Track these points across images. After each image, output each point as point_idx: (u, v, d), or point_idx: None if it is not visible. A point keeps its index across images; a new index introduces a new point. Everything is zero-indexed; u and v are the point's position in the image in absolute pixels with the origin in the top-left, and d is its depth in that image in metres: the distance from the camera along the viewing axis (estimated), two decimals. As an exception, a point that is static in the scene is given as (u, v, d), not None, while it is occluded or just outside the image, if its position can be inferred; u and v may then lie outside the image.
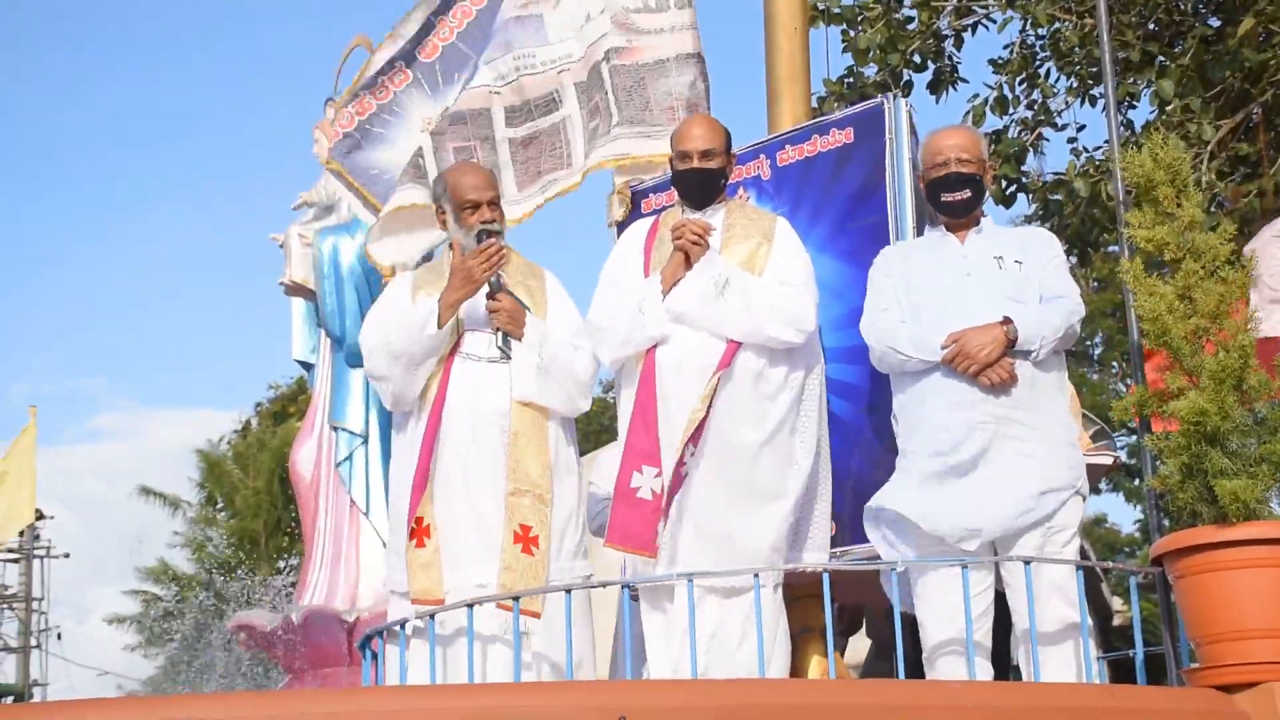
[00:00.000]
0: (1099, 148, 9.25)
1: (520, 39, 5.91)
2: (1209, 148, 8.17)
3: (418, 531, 4.77)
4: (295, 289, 7.92)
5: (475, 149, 5.86)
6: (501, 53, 5.87)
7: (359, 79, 6.56)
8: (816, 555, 4.90)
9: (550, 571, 4.74)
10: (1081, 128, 9.57)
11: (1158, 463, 4.10)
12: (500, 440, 4.82)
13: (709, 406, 4.66)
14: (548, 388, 4.89)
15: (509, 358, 4.88)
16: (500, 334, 4.89)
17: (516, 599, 4.27)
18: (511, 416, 4.84)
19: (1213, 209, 8.53)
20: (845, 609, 6.99)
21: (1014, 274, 4.71)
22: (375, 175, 6.32)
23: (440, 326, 4.86)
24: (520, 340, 4.89)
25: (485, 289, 4.90)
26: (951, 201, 4.83)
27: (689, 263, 4.82)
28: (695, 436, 4.64)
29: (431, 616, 4.43)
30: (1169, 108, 8.38)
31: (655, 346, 4.84)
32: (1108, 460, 7.31)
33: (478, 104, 5.88)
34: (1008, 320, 4.57)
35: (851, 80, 9.61)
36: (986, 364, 4.54)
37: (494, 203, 5.06)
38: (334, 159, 6.39)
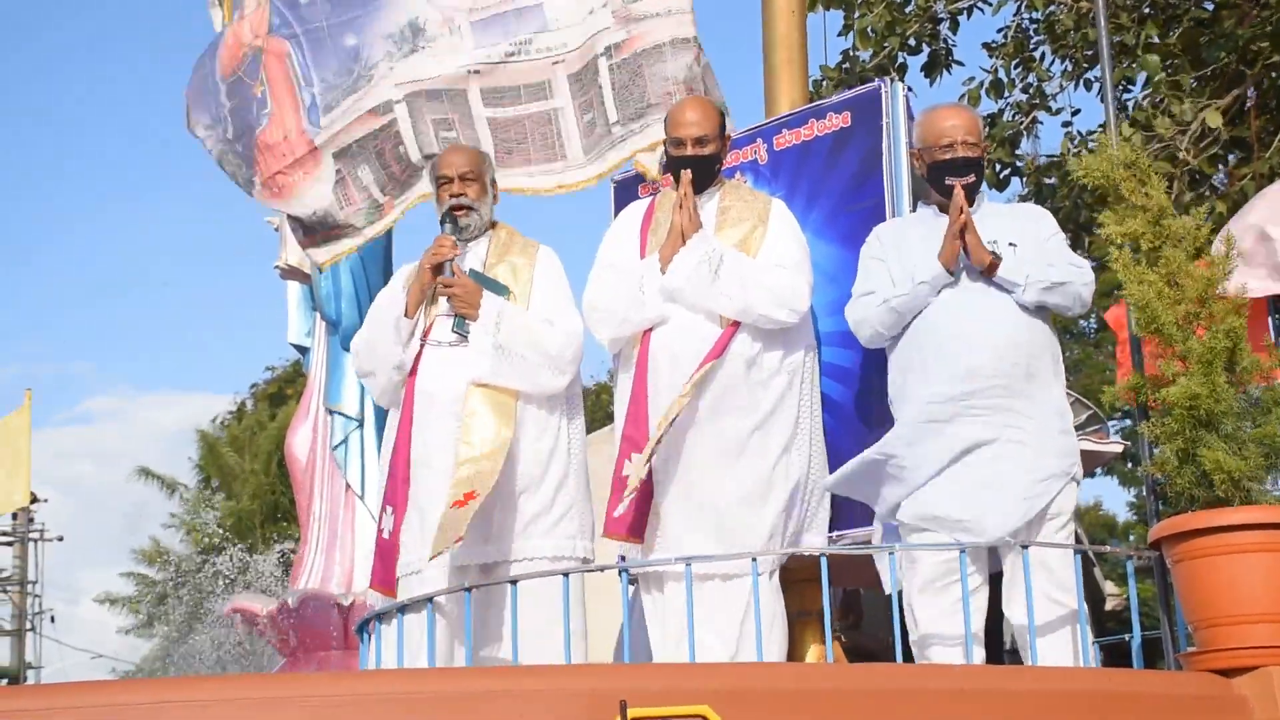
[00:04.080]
0: (1093, 133, 9.25)
1: (519, 28, 5.86)
2: (1192, 128, 8.15)
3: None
4: (290, 272, 7.90)
5: (454, 122, 5.83)
6: (498, 39, 5.83)
7: None
8: (814, 539, 4.91)
9: (514, 549, 4.79)
10: (1076, 112, 9.57)
11: (1155, 448, 4.10)
12: (456, 425, 4.82)
13: (696, 396, 4.67)
14: (503, 367, 4.86)
15: (467, 340, 4.89)
16: (457, 317, 4.91)
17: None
18: (466, 400, 4.83)
19: (1205, 192, 8.53)
20: (851, 605, 7.00)
21: (1008, 257, 4.66)
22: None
23: (409, 315, 4.93)
24: (474, 320, 4.90)
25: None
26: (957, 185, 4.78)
27: (685, 241, 4.82)
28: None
29: (429, 600, 4.44)
30: (1155, 81, 8.36)
31: (651, 332, 4.84)
32: (1117, 449, 7.30)
33: (456, 85, 5.84)
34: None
35: (848, 65, 9.60)
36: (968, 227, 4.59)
37: (468, 177, 5.11)
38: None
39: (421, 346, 4.97)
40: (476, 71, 5.76)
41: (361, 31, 5.97)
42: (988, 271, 4.60)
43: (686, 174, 4.90)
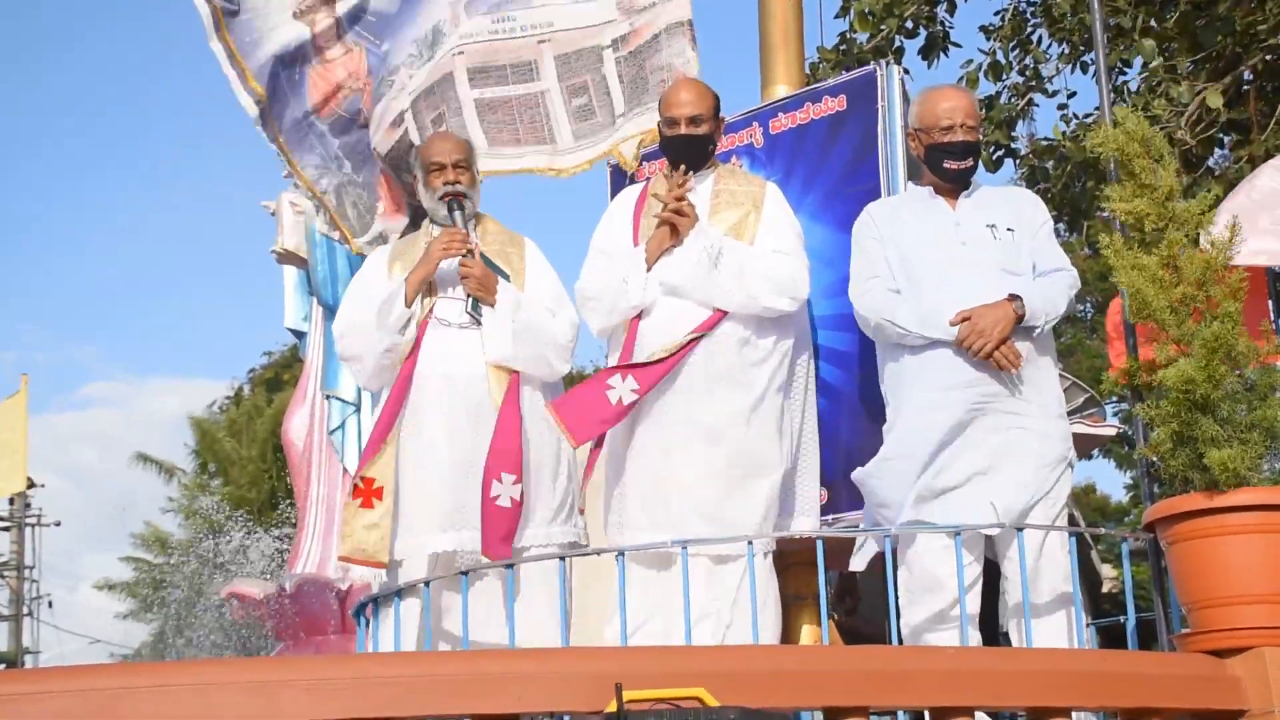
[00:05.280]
0: (1089, 115, 9.25)
1: (504, 2, 5.83)
2: (1190, 110, 8.15)
3: (364, 491, 4.76)
4: (287, 257, 7.92)
5: (445, 115, 5.83)
6: (482, 12, 5.80)
7: None
8: (807, 521, 4.91)
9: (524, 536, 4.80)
10: (1072, 94, 9.56)
11: (1150, 430, 4.10)
12: (476, 406, 4.83)
13: (690, 374, 4.71)
14: (520, 352, 4.89)
15: (479, 323, 4.90)
16: (470, 299, 4.91)
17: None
18: (488, 380, 4.85)
19: (1200, 175, 8.53)
20: (849, 590, 7.00)
21: (1007, 243, 4.67)
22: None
23: (408, 304, 4.91)
24: (492, 306, 4.90)
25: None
26: (956, 169, 4.76)
27: (674, 233, 4.81)
28: (646, 374, 4.68)
29: (426, 584, 4.45)
30: (1152, 65, 8.36)
31: (639, 317, 4.84)
32: (1111, 432, 7.32)
33: (442, 69, 5.83)
34: (1014, 297, 4.52)
35: (845, 47, 9.59)
36: (1000, 341, 4.48)
37: (460, 165, 5.09)
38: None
39: (423, 327, 4.95)
40: (461, 52, 5.75)
41: (394, 35, 6.02)
42: (1016, 323, 4.52)
43: (681, 175, 4.88)
